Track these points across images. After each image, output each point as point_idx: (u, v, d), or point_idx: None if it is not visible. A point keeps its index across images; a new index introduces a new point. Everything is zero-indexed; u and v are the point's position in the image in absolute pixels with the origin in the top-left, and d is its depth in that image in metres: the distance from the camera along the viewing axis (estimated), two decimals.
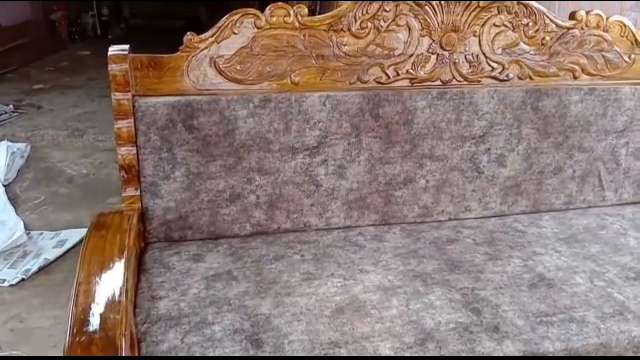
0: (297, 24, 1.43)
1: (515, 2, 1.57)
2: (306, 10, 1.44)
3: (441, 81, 1.57)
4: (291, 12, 1.42)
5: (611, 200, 1.75)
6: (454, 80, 1.58)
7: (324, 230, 1.51)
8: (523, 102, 1.59)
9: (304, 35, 1.44)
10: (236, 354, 1.03)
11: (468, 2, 1.53)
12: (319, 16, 1.45)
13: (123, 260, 1.03)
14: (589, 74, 1.69)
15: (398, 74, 1.53)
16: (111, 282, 0.97)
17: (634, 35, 1.70)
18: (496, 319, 1.17)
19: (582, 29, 1.65)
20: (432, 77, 1.56)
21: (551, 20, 1.61)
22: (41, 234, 2.39)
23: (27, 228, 2.39)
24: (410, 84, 1.55)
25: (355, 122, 1.47)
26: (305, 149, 1.45)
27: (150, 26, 6.82)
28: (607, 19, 1.67)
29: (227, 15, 1.40)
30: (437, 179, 1.57)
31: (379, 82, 1.52)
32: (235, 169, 1.41)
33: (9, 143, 2.90)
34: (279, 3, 1.43)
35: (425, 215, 1.59)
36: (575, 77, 1.68)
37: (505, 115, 1.58)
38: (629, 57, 1.71)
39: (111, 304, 0.93)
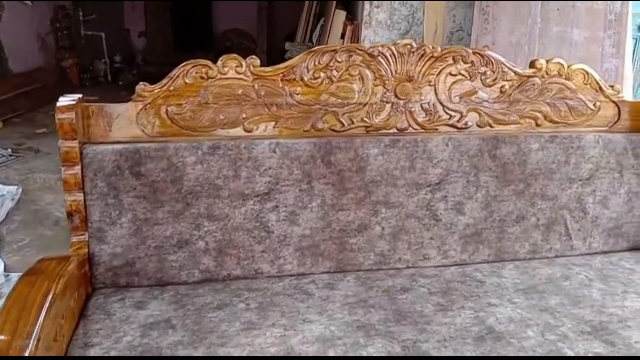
0: (249, 74, 1.46)
1: (471, 51, 1.59)
2: (258, 61, 1.47)
3: (397, 129, 1.58)
4: (243, 63, 1.46)
5: (580, 250, 1.70)
6: (410, 128, 1.59)
7: (275, 278, 1.49)
8: (480, 150, 1.58)
9: (257, 85, 1.47)
10: None
11: (422, 52, 1.55)
12: (271, 67, 1.48)
13: (44, 307, 1.03)
14: (552, 121, 1.68)
15: (353, 122, 1.55)
16: (26, 329, 0.97)
17: (598, 83, 1.70)
18: None
19: (542, 77, 1.65)
20: (387, 125, 1.57)
21: (509, 69, 1.62)
22: (20, 275, 2.40)
23: (7, 270, 2.42)
24: (365, 132, 1.56)
25: (306, 169, 1.47)
26: (255, 195, 1.45)
27: (161, 72, 7.01)
28: (568, 67, 1.67)
29: (179, 66, 1.44)
30: (392, 226, 1.55)
31: (333, 130, 1.54)
32: (183, 215, 1.42)
33: (0, 186, 2.97)
34: (232, 55, 1.47)
35: (381, 262, 1.56)
36: (537, 125, 1.67)
37: (462, 163, 1.57)
38: (594, 105, 1.70)
39: (22, 351, 0.92)
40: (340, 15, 3.11)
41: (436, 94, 1.59)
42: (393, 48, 1.54)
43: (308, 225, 1.50)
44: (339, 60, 1.51)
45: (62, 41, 5.76)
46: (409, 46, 1.55)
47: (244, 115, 1.48)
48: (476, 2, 2.81)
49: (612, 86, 1.73)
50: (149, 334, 1.22)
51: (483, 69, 1.61)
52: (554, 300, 1.42)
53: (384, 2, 3.10)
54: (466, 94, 1.61)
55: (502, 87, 1.63)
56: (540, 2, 2.68)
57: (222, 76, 1.45)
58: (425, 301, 1.40)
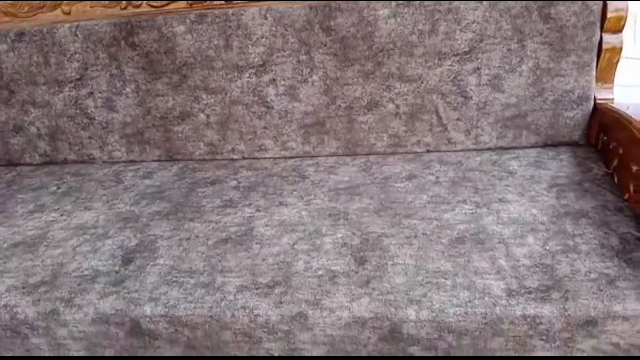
0: None
1: None
2: None
3: None
4: None
5: (463, 144, 1.35)
6: None
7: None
8: (308, 21, 1.29)
9: None
10: None
11: None
12: None
13: None
14: None
15: None
16: None
17: None
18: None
19: None
20: None
21: None
22: None
23: None
24: (188, 5, 1.39)
25: (112, 52, 1.39)
26: (69, 81, 1.44)
27: None
28: None
29: None
30: (218, 114, 1.41)
31: (152, 6, 1.40)
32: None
33: None
34: None
35: (214, 152, 1.46)
36: None
37: (287, 39, 1.31)
38: None
39: None
40: None
41: None
42: None
43: (127, 112, 1.45)
44: None
45: None
46: None
47: None
48: None
49: None
50: None
51: None
52: (361, 204, 1.19)
53: None
54: None
55: None
56: None
57: None
58: (224, 194, 1.28)
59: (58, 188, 1.42)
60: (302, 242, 1.09)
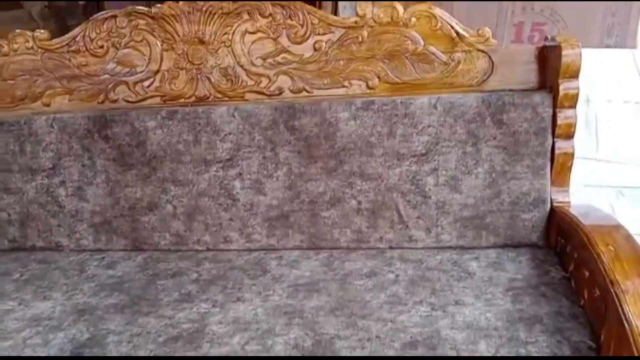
0: (36, 48, 1.46)
1: (269, 2, 1.35)
2: (46, 34, 1.46)
3: (197, 98, 1.43)
4: (29, 39, 1.46)
5: (424, 242, 1.36)
6: (212, 96, 1.43)
7: None
8: (273, 121, 1.35)
9: (45, 59, 1.46)
10: None
11: (210, 9, 1.37)
12: (57, 39, 1.45)
13: None
14: (389, 82, 1.35)
15: (147, 92, 1.45)
16: None
17: (452, 28, 1.31)
18: None
19: (370, 27, 1.33)
20: (184, 94, 1.44)
21: (321, 20, 1.34)
22: None
23: None
24: (162, 102, 1.45)
25: (85, 144, 1.44)
26: (42, 170, 1.47)
27: None
28: (405, 10, 1.31)
29: None
30: (185, 205, 1.43)
31: (128, 101, 1.46)
32: None
33: None
34: (20, 31, 1.48)
35: (179, 243, 1.47)
36: (370, 88, 1.36)
37: (254, 137, 1.37)
38: (450, 58, 1.32)
39: None
40: None
41: (234, 56, 1.39)
42: (176, 7, 1.38)
43: (97, 201, 1.47)
44: (121, 26, 1.41)
45: None
46: (193, 3, 1.38)
47: (39, 90, 1.49)
48: None
49: (478, 31, 1.31)
50: None
51: (288, 22, 1.35)
52: (319, 301, 1.18)
53: None
54: (269, 55, 1.38)
55: (316, 43, 1.35)
56: None
57: (15, 53, 1.48)
58: (183, 287, 1.27)
59: (21, 275, 1.41)
60: (253, 342, 1.07)
